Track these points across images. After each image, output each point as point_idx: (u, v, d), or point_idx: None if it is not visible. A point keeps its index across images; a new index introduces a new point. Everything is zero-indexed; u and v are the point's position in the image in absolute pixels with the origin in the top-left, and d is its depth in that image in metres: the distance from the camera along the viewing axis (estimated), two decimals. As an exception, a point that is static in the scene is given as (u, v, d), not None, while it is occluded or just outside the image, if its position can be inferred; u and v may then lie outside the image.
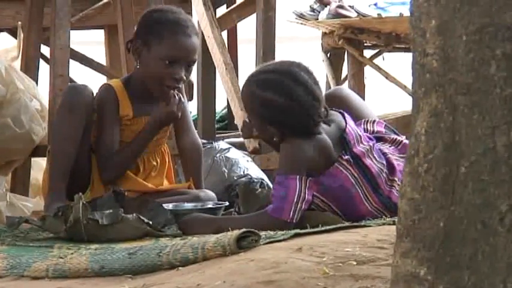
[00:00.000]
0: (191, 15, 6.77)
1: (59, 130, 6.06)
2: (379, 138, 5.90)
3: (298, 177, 5.65)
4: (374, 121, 5.98)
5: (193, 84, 6.78)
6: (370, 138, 5.87)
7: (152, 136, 6.20)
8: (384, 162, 5.77)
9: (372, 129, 5.97)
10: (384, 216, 5.58)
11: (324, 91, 5.99)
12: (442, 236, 3.32)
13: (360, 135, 5.81)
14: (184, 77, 6.17)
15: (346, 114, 5.95)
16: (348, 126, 5.79)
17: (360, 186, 5.74)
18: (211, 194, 6.02)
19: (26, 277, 5.15)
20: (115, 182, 6.04)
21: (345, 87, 6.70)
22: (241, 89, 6.04)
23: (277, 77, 5.85)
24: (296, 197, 5.63)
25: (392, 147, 5.77)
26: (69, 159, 6.02)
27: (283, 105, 5.79)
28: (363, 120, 6.08)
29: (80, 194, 5.78)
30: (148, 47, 6.16)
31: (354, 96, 6.33)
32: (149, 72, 6.16)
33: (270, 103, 5.84)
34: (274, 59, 6.85)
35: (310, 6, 8.12)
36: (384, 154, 5.79)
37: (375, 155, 5.77)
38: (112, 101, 6.19)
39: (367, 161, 5.74)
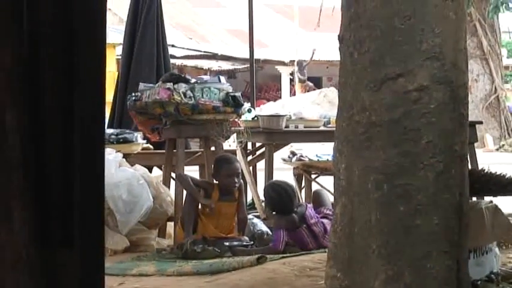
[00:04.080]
0: (237, 159, 6.73)
1: (188, 202, 6.03)
2: (325, 217, 5.83)
3: (281, 230, 5.61)
4: (328, 208, 5.89)
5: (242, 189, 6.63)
6: (317, 217, 5.76)
7: (190, 193, 5.97)
8: (322, 228, 5.69)
9: (324, 212, 5.89)
10: (321, 249, 5.51)
11: (297, 197, 5.98)
12: (346, 258, 3.28)
13: (311, 216, 5.71)
14: (237, 181, 6.01)
15: (308, 205, 5.84)
16: (306, 211, 5.71)
17: (309, 238, 5.65)
18: (246, 238, 5.95)
19: (164, 275, 5.10)
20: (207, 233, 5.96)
21: (322, 190, 6.63)
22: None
23: (276, 186, 5.79)
24: (281, 238, 5.57)
25: (328, 220, 5.69)
26: (192, 217, 5.97)
27: (273, 197, 5.70)
28: (323, 207, 5.92)
29: (188, 237, 5.76)
30: (219, 172, 6.06)
31: (324, 194, 6.18)
32: (222, 182, 6.05)
33: (268, 195, 5.78)
34: (272, 178, 6.81)
35: (288, 156, 8.05)
36: (323, 224, 5.72)
37: (318, 225, 5.70)
38: (211, 189, 6.04)
39: (314, 228, 5.65)
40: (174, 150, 6.54)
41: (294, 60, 24.56)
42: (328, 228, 5.62)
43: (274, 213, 5.79)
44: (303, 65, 23.54)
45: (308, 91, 23.10)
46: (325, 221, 5.74)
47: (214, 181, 6.15)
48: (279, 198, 5.71)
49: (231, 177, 6.00)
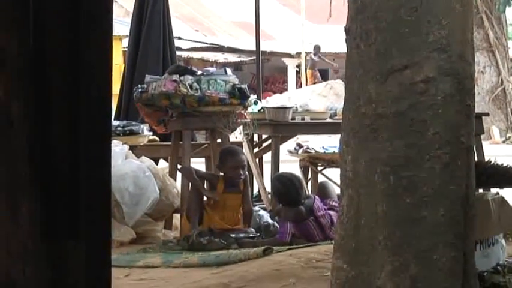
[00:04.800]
0: (243, 151, 6.71)
1: (192, 195, 6.02)
2: (332, 208, 5.82)
3: (288, 222, 5.61)
4: (334, 200, 5.89)
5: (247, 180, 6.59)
6: (324, 209, 5.76)
7: (194, 186, 5.97)
8: (329, 220, 5.69)
9: (331, 203, 5.88)
10: (327, 241, 5.51)
11: (304, 188, 5.96)
12: (352, 249, 3.29)
13: (319, 208, 5.71)
14: (242, 173, 6.00)
15: (316, 197, 5.83)
16: (314, 203, 5.72)
17: (316, 229, 5.65)
18: (252, 230, 5.96)
19: (170, 267, 5.12)
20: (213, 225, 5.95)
21: (327, 182, 6.63)
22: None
23: (282, 177, 5.81)
24: (288, 230, 5.57)
25: (334, 212, 5.70)
26: (199, 208, 5.97)
27: (279, 188, 5.70)
28: (329, 199, 5.91)
29: (194, 229, 5.76)
30: (224, 164, 6.07)
31: (329, 186, 6.20)
32: (227, 174, 6.04)
33: (275, 186, 5.80)
34: (279, 171, 6.81)
35: (294, 148, 8.04)
36: (330, 216, 5.71)
37: (325, 217, 5.70)
38: (216, 181, 6.06)
39: (321, 220, 5.66)
40: (180, 142, 6.55)
41: (300, 53, 24.53)
42: (335, 220, 5.63)
43: (281, 205, 5.79)
44: (319, 49, 23.44)
45: (315, 83, 23.09)
46: (331, 212, 5.74)
47: (220, 173, 6.15)
48: (286, 190, 5.71)
49: (237, 170, 6.00)
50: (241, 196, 6.08)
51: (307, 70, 23.82)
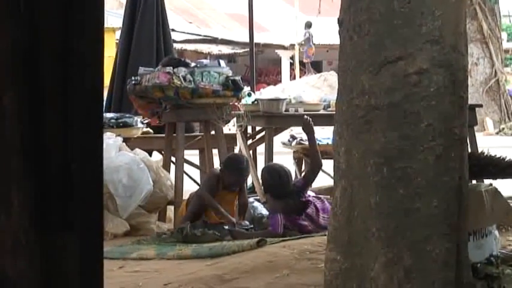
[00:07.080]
0: (236, 143, 6.69)
1: (198, 202, 5.99)
2: (315, 197, 5.81)
3: (278, 214, 5.61)
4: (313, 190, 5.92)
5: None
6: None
7: (214, 209, 5.92)
8: (314, 208, 5.68)
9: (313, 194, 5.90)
10: (320, 232, 5.50)
11: (293, 181, 5.93)
12: (346, 241, 3.29)
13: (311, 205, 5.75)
14: (236, 188, 6.00)
15: (312, 200, 5.80)
16: (309, 209, 5.69)
17: (305, 220, 5.65)
18: (247, 222, 5.95)
19: (164, 259, 5.13)
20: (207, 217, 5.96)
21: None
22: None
23: (272, 169, 5.80)
24: (279, 222, 5.57)
25: (318, 199, 5.70)
26: (202, 207, 5.98)
27: (268, 181, 5.69)
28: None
29: (188, 222, 5.75)
30: (225, 173, 5.95)
31: None
32: (226, 180, 5.98)
33: (264, 178, 5.79)
34: (272, 161, 6.80)
35: (288, 139, 8.03)
36: (313, 203, 5.70)
37: (310, 206, 5.70)
38: (215, 182, 6.00)
39: (307, 210, 5.65)
40: (174, 134, 6.54)
41: (294, 44, 24.50)
42: (319, 206, 5.64)
43: (269, 196, 5.78)
44: (311, 35, 23.36)
45: (307, 65, 23.03)
46: (315, 200, 5.73)
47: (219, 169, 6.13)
48: (275, 182, 5.69)
49: (234, 185, 5.98)
50: (237, 191, 6.08)
51: (304, 46, 23.75)
